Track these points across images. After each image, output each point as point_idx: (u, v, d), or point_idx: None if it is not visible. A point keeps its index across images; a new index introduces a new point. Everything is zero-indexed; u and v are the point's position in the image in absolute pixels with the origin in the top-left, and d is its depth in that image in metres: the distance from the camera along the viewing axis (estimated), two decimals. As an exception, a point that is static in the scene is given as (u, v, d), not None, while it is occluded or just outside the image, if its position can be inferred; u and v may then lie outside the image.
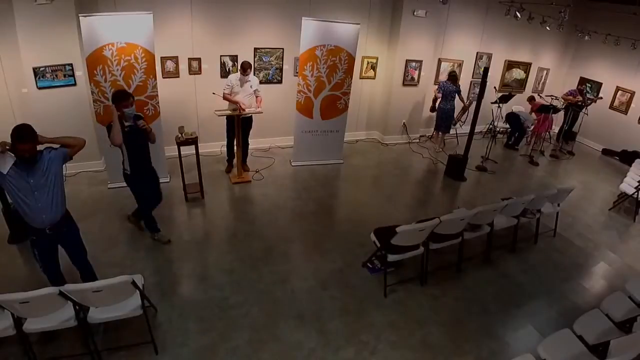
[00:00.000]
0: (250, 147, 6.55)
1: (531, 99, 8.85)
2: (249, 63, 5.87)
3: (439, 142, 8.24)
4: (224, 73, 6.69)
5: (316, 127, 6.84)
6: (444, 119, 7.75)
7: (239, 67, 5.94)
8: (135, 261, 4.25)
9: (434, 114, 8.06)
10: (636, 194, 6.05)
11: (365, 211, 5.65)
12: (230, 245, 4.66)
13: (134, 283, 2.86)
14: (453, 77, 7.65)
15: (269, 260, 4.44)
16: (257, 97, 6.02)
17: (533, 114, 8.68)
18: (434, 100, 8.13)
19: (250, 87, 5.91)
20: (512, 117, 8.72)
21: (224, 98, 5.90)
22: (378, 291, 4.05)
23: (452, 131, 8.51)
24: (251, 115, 6.08)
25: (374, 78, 8.07)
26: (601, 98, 8.99)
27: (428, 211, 5.53)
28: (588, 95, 9.08)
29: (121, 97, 3.94)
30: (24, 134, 2.78)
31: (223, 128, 6.29)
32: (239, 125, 5.81)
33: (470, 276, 4.44)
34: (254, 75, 6.53)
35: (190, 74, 6.50)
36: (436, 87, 8.00)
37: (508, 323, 3.83)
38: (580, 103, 8.60)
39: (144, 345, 3.20)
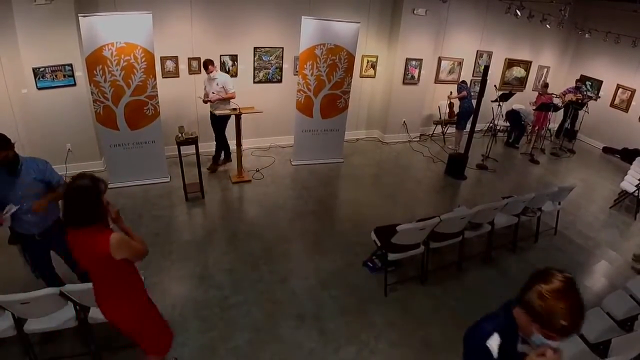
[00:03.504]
0: (250, 146, 6.56)
1: (545, 86, 8.69)
2: (209, 60, 5.86)
3: (458, 140, 8.11)
4: (224, 72, 6.67)
5: (316, 126, 6.83)
6: (468, 116, 7.65)
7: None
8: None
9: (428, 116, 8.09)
10: (637, 192, 6.04)
11: (366, 210, 5.64)
12: (230, 245, 4.66)
13: (134, 283, 2.85)
14: (464, 82, 7.99)
15: (269, 259, 4.44)
16: (227, 93, 5.95)
17: (533, 112, 8.64)
18: (452, 105, 8.30)
19: (217, 84, 5.88)
20: (512, 115, 8.70)
21: (204, 101, 6.02)
22: (378, 290, 4.05)
23: (451, 130, 8.57)
24: (225, 115, 5.99)
25: (374, 77, 8.06)
26: (599, 97, 8.97)
27: (428, 210, 5.53)
28: (588, 93, 9.05)
29: None
30: None
31: (223, 128, 6.32)
32: (239, 126, 5.80)
33: (470, 275, 4.44)
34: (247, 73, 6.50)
35: (190, 74, 6.50)
36: (451, 93, 8.14)
37: (509, 322, 3.82)
38: (579, 100, 8.59)
39: (144, 345, 3.19)
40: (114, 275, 2.32)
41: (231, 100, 5.84)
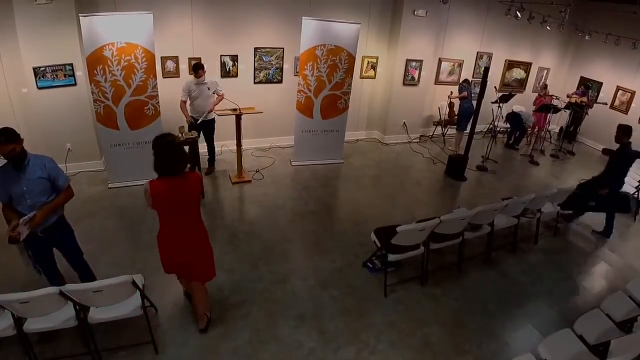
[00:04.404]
0: (250, 147, 6.56)
1: (544, 87, 8.74)
2: (201, 64, 5.68)
3: (458, 142, 8.08)
4: (225, 72, 6.70)
5: (316, 127, 6.84)
6: (468, 117, 7.61)
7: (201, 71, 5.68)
8: (135, 261, 4.25)
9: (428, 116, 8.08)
10: (636, 193, 6.04)
11: (366, 211, 5.65)
12: (230, 245, 4.66)
13: (134, 283, 2.86)
14: (467, 81, 7.89)
15: (269, 260, 4.44)
16: (217, 96, 5.88)
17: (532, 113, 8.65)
18: (452, 106, 8.31)
19: (208, 89, 5.76)
20: (512, 117, 8.70)
21: (181, 108, 5.81)
22: (378, 291, 4.05)
23: (451, 131, 8.57)
24: (213, 118, 6.00)
25: (374, 78, 8.07)
26: (605, 104, 8.98)
27: (428, 211, 5.53)
28: (590, 96, 9.06)
29: None
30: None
31: (223, 128, 6.31)
32: (239, 126, 5.80)
33: (470, 276, 4.44)
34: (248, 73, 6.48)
35: (190, 74, 6.48)
36: (452, 93, 8.15)
37: (508, 323, 3.83)
38: (583, 103, 8.60)
39: (144, 345, 3.20)
40: (198, 208, 3.02)
41: (229, 100, 5.82)
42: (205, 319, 3.41)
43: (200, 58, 6.43)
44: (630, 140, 5.02)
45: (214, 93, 5.82)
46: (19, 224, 2.75)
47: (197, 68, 5.62)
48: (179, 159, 2.78)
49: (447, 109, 8.50)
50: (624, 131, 5.02)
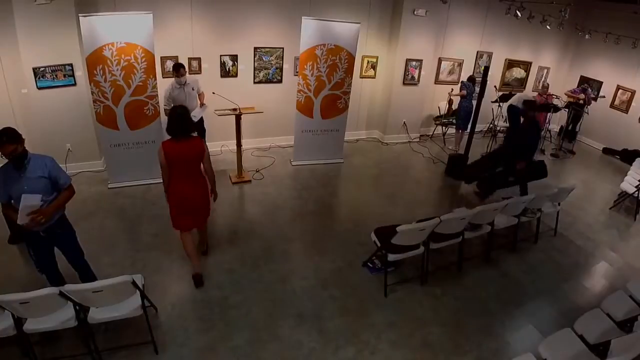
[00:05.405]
0: (250, 147, 6.54)
1: (545, 87, 8.75)
2: (181, 63, 5.62)
3: (458, 141, 8.08)
4: (224, 72, 6.70)
5: (316, 127, 6.83)
6: (467, 116, 7.61)
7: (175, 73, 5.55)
8: (135, 261, 4.25)
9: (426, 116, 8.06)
10: (637, 193, 6.04)
11: (366, 210, 5.64)
12: (230, 245, 4.66)
13: (134, 283, 2.86)
14: (472, 79, 7.84)
15: (269, 259, 4.44)
16: (199, 94, 5.86)
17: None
18: (450, 102, 8.27)
19: (192, 89, 5.69)
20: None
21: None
22: (378, 291, 4.05)
23: (451, 130, 8.55)
24: (201, 116, 5.98)
25: (374, 77, 8.06)
26: (603, 97, 8.97)
27: (428, 210, 5.53)
28: (590, 94, 9.05)
29: None
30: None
31: (223, 128, 6.30)
32: (239, 126, 5.80)
33: (470, 276, 4.44)
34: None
35: (190, 74, 6.48)
36: (452, 90, 8.17)
37: (508, 322, 3.83)
38: (581, 101, 8.59)
39: (144, 345, 3.20)
40: (199, 166, 3.73)
41: (229, 100, 5.81)
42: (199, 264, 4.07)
43: (200, 58, 6.44)
44: (534, 113, 5.60)
45: (196, 92, 5.78)
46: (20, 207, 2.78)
47: (178, 67, 5.50)
48: (184, 125, 3.56)
49: (447, 105, 8.47)
50: (530, 106, 5.65)
